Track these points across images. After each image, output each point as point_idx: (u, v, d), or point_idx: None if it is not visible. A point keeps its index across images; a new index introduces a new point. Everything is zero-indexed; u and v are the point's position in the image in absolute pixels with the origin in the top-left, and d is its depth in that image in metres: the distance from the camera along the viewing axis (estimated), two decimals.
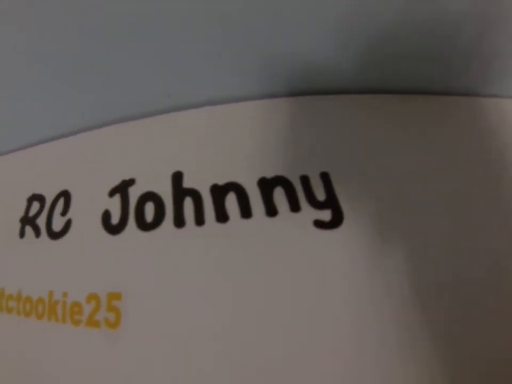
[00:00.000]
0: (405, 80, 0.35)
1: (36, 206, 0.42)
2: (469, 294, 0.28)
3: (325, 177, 0.33)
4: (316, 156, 0.34)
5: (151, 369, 0.31)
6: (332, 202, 0.32)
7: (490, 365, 0.27)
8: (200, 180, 0.35)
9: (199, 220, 0.34)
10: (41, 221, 0.41)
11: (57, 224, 0.40)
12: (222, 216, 0.34)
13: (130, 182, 0.38)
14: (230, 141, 0.36)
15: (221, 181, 0.35)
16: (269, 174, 0.34)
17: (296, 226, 0.32)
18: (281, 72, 0.35)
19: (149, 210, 0.37)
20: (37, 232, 0.41)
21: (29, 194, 0.43)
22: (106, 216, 0.38)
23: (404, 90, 0.36)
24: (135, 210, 0.37)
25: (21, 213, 0.43)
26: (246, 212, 0.33)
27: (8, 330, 0.39)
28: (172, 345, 0.32)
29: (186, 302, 0.32)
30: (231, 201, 0.34)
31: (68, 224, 0.40)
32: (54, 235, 0.40)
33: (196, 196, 0.35)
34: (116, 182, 0.39)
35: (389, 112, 0.35)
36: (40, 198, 0.42)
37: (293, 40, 0.31)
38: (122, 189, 0.39)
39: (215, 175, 0.35)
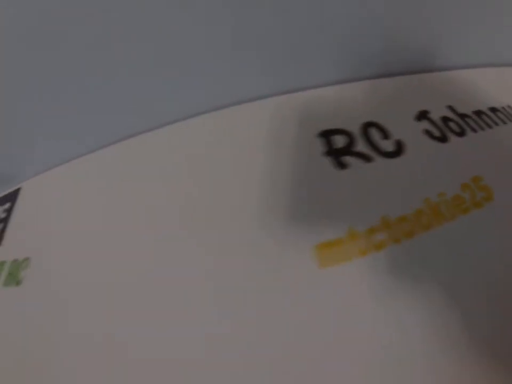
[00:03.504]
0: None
1: (338, 139, 0.38)
2: None
3: None
4: None
5: None
6: None
7: None
8: None
9: None
10: (362, 148, 0.38)
11: (386, 146, 0.38)
12: None
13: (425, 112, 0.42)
14: None
15: None
16: None
17: None
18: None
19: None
20: (366, 158, 0.37)
21: (315, 132, 0.39)
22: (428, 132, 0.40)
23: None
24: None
25: (318, 148, 0.38)
26: None
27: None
28: None
29: None
30: None
31: (399, 144, 0.38)
32: (389, 154, 0.37)
33: None
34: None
35: None
36: (339, 132, 0.39)
37: None
38: (425, 116, 0.42)
39: None
